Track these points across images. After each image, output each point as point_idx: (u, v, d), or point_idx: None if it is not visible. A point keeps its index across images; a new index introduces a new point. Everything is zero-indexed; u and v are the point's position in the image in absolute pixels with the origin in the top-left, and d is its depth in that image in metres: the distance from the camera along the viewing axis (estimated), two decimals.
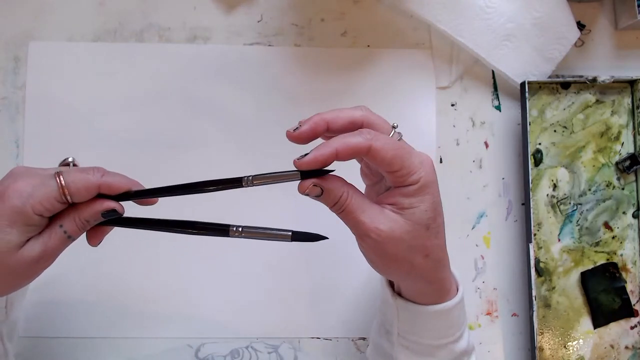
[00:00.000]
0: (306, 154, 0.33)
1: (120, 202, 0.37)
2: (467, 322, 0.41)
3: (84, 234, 0.38)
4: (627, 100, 0.55)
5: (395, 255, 0.35)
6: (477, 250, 0.55)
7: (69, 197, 0.34)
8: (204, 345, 0.53)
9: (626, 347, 0.54)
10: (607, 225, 0.55)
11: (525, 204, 0.54)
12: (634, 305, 0.54)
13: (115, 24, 0.56)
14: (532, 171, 0.54)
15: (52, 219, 0.36)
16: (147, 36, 0.56)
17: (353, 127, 0.36)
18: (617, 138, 0.55)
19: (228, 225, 0.35)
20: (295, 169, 0.34)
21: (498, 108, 0.57)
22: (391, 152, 0.33)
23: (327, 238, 0.35)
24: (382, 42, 0.57)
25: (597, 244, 0.54)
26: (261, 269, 0.54)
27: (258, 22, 0.57)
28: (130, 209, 0.38)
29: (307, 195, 0.34)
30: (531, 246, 0.52)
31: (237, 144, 0.55)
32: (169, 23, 0.56)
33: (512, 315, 0.55)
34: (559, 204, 0.55)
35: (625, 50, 0.58)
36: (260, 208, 0.54)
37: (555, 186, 0.55)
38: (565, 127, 0.55)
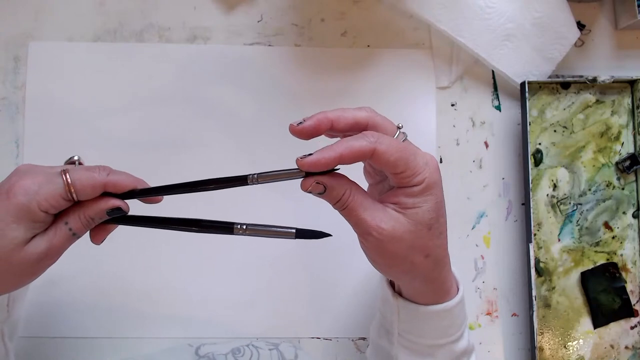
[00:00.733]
0: (310, 154, 0.33)
1: (126, 201, 0.37)
2: (467, 322, 0.41)
3: (88, 232, 0.37)
4: (627, 100, 0.55)
5: (396, 254, 0.35)
6: (477, 250, 0.55)
7: (74, 195, 0.34)
8: (204, 344, 0.53)
9: (626, 347, 0.54)
10: (607, 225, 0.55)
11: (525, 204, 0.54)
12: (634, 305, 0.54)
13: (115, 24, 0.56)
14: (532, 171, 0.54)
15: (58, 217, 0.36)
16: (147, 36, 0.56)
17: (357, 127, 0.36)
18: (617, 138, 0.55)
19: (232, 223, 0.35)
20: (299, 173, 0.34)
21: (498, 108, 0.57)
22: (395, 155, 0.34)
23: (330, 235, 0.35)
24: (382, 42, 0.57)
25: (597, 244, 0.54)
26: (261, 269, 0.54)
27: (258, 22, 0.57)
28: (135, 207, 0.38)
29: (309, 192, 0.34)
30: (531, 246, 0.52)
31: (237, 143, 0.55)
32: (169, 23, 0.56)
33: (512, 315, 0.55)
34: (559, 204, 0.55)
35: (625, 50, 0.58)
36: (263, 207, 0.54)
37: (555, 186, 0.55)
38: (565, 127, 0.55)
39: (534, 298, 0.51)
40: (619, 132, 0.55)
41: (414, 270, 0.36)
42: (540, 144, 0.55)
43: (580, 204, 0.55)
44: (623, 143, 0.55)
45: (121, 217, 0.37)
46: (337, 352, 0.53)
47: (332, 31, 0.57)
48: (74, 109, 0.55)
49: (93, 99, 0.55)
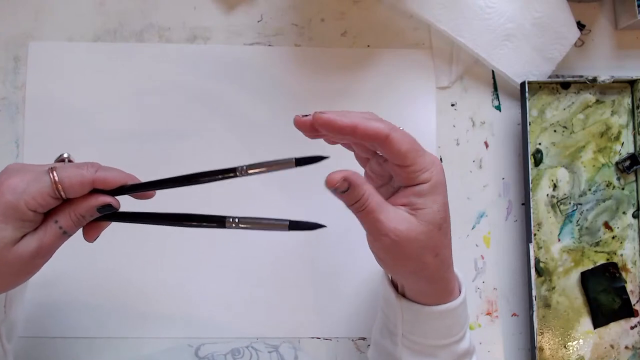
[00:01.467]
0: (323, 112, 0.33)
1: (117, 197, 0.36)
2: (468, 322, 0.41)
3: (81, 229, 0.37)
4: (627, 100, 0.55)
5: (409, 254, 0.35)
6: (477, 250, 0.55)
7: (62, 193, 0.34)
8: (204, 344, 0.53)
9: (626, 347, 0.54)
10: (607, 225, 0.55)
11: (525, 204, 0.54)
12: (634, 305, 0.54)
13: (115, 24, 0.56)
14: (532, 171, 0.54)
15: (48, 215, 0.35)
16: (147, 36, 0.56)
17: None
18: (617, 138, 0.55)
19: (224, 217, 0.35)
20: (289, 158, 0.34)
21: (498, 108, 0.57)
22: (407, 146, 0.34)
23: (324, 226, 0.34)
24: (382, 42, 0.57)
25: (597, 244, 0.54)
26: (261, 269, 0.54)
27: (258, 22, 0.57)
28: (127, 204, 0.38)
29: (333, 190, 0.34)
30: (531, 246, 0.52)
31: (238, 143, 0.55)
32: (169, 23, 0.56)
33: (512, 315, 0.55)
34: (559, 204, 0.55)
35: (625, 50, 0.58)
36: (257, 203, 0.54)
37: (555, 186, 0.55)
38: (565, 127, 0.55)
39: (534, 298, 0.51)
40: (619, 132, 0.55)
41: (423, 270, 0.36)
42: (540, 144, 0.55)
43: (580, 204, 0.55)
44: (623, 143, 0.55)
45: (113, 214, 0.37)
46: (337, 352, 0.53)
47: (332, 31, 0.57)
48: (74, 109, 0.55)
49: (93, 99, 0.55)
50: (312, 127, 0.35)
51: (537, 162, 0.55)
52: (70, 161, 0.38)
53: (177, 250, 0.53)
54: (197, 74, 0.55)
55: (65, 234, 0.36)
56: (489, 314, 0.55)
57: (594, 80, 0.54)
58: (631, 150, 0.55)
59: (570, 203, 0.55)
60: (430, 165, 0.35)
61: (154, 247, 0.53)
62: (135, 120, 0.55)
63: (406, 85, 0.56)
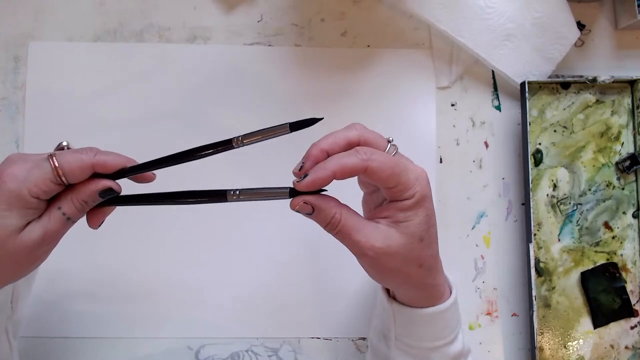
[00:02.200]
0: (305, 176, 0.34)
1: (117, 181, 0.36)
2: (461, 324, 0.42)
3: (84, 216, 0.37)
4: (627, 100, 0.55)
5: (391, 267, 0.36)
6: (477, 250, 0.55)
7: (63, 178, 0.34)
8: (204, 347, 0.53)
9: (626, 347, 0.54)
10: (607, 225, 0.55)
11: (525, 204, 0.54)
12: (634, 305, 0.54)
13: (115, 24, 0.56)
14: (532, 171, 0.54)
15: (51, 203, 0.35)
16: (147, 36, 0.56)
17: (349, 147, 0.36)
18: (617, 138, 0.55)
19: (225, 190, 0.35)
20: (285, 123, 0.34)
21: (498, 108, 0.57)
22: (387, 171, 0.34)
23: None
24: (382, 42, 0.57)
25: (597, 244, 0.54)
26: (261, 269, 0.54)
27: (258, 22, 0.57)
28: (131, 191, 0.37)
29: (298, 212, 0.35)
30: (531, 246, 0.52)
31: None
32: (169, 23, 0.56)
33: (512, 315, 0.55)
34: (559, 204, 0.55)
35: (625, 50, 0.58)
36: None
37: (555, 186, 0.55)
38: (565, 127, 0.55)
39: (534, 298, 0.51)
40: (619, 132, 0.55)
41: (409, 280, 0.37)
42: (540, 144, 0.55)
43: (580, 204, 0.55)
44: (623, 143, 0.55)
45: (115, 198, 0.36)
46: (337, 352, 0.53)
47: (332, 31, 0.57)
48: (73, 109, 0.55)
49: (93, 99, 0.55)
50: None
51: (537, 162, 0.55)
52: (69, 149, 0.38)
53: (178, 250, 0.53)
54: (197, 74, 0.55)
55: (69, 220, 0.36)
56: (489, 314, 0.54)
57: (594, 80, 0.54)
58: (631, 150, 0.55)
59: (570, 203, 0.55)
60: (414, 182, 0.35)
61: (154, 247, 0.53)
62: (135, 120, 0.55)
63: (406, 85, 0.56)
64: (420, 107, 0.56)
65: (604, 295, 0.53)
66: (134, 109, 0.55)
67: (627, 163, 0.54)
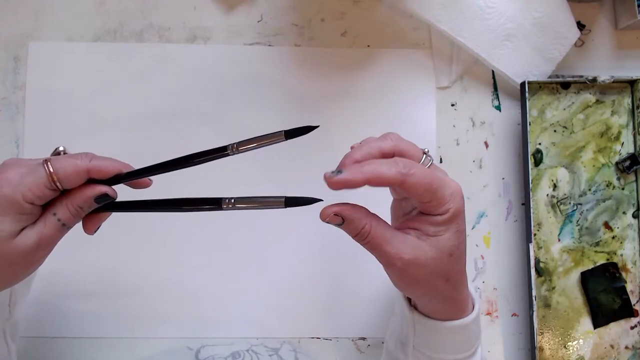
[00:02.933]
0: (340, 172, 0.33)
1: (113, 187, 0.36)
2: (481, 339, 0.41)
3: (81, 222, 0.37)
4: (627, 100, 0.55)
5: (418, 279, 0.35)
6: (477, 250, 0.55)
7: (58, 184, 0.34)
8: (204, 347, 0.53)
9: (626, 347, 0.54)
10: (607, 225, 0.55)
11: (525, 204, 0.54)
12: (634, 305, 0.54)
13: (115, 24, 0.56)
14: (532, 171, 0.54)
15: (46, 208, 0.35)
16: (147, 36, 0.56)
17: (384, 157, 0.35)
18: (617, 138, 0.55)
19: (220, 199, 0.34)
20: (280, 130, 0.33)
21: (498, 108, 0.57)
22: (425, 187, 0.33)
23: (321, 200, 0.34)
24: (382, 42, 0.57)
25: (597, 244, 0.54)
26: (261, 269, 0.54)
27: (258, 22, 0.57)
28: (127, 197, 0.37)
29: (328, 222, 0.34)
30: (531, 246, 0.52)
31: None
32: (169, 23, 0.56)
33: (512, 315, 0.55)
34: (559, 204, 0.55)
35: (625, 50, 0.58)
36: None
37: (555, 186, 0.55)
38: (565, 127, 0.55)
39: (534, 298, 0.51)
40: (619, 132, 0.55)
41: (434, 293, 0.36)
42: (540, 144, 0.55)
43: (580, 204, 0.55)
44: (623, 143, 0.55)
45: (111, 204, 0.36)
46: (337, 352, 0.53)
47: (332, 31, 0.57)
48: (73, 109, 0.55)
49: (93, 99, 0.55)
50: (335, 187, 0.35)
51: (537, 162, 0.55)
52: (65, 154, 0.38)
53: (178, 250, 0.53)
54: (197, 74, 0.55)
55: (64, 226, 0.36)
56: (489, 314, 0.54)
57: (594, 80, 0.54)
58: (631, 150, 0.55)
59: (570, 203, 0.55)
60: (450, 198, 0.34)
61: (154, 247, 0.53)
62: (135, 120, 0.55)
63: (406, 85, 0.56)
64: (420, 107, 0.56)
65: (604, 295, 0.53)
66: (134, 109, 0.55)
67: (627, 163, 0.54)
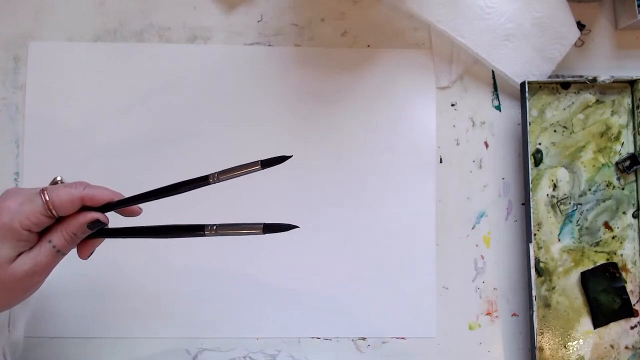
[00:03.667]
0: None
1: (106, 214, 0.38)
2: None
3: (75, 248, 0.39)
4: (627, 100, 0.55)
5: None
6: (477, 250, 0.55)
7: (54, 211, 0.36)
8: (201, 352, 0.53)
9: (626, 347, 0.54)
10: (607, 225, 0.55)
11: (525, 204, 0.54)
12: (634, 305, 0.54)
13: (115, 24, 0.56)
14: (532, 171, 0.54)
15: (42, 235, 0.37)
16: (147, 36, 0.56)
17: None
18: (617, 138, 0.55)
19: (203, 226, 0.37)
20: (256, 160, 0.36)
21: (498, 108, 0.57)
22: None
23: (297, 227, 0.36)
24: (382, 42, 0.57)
25: (597, 244, 0.54)
26: (260, 269, 0.54)
27: (258, 22, 0.57)
28: (120, 224, 0.40)
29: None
30: (531, 246, 0.52)
31: (237, 144, 0.55)
32: (169, 23, 0.56)
33: (512, 315, 0.55)
34: (559, 204, 0.55)
35: (625, 50, 0.58)
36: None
37: (555, 186, 0.55)
38: (565, 127, 0.55)
39: (534, 298, 0.51)
40: (619, 132, 0.55)
41: None
42: (540, 144, 0.55)
43: (580, 204, 0.55)
44: (623, 143, 0.55)
45: (104, 231, 0.39)
46: (337, 352, 0.53)
47: (332, 31, 0.57)
48: (73, 109, 0.55)
49: (93, 98, 0.55)
50: None
51: (537, 162, 0.55)
52: (62, 182, 0.40)
53: (177, 250, 0.53)
54: (197, 74, 0.55)
55: (59, 253, 0.38)
56: (489, 314, 0.55)
57: (594, 80, 0.54)
58: (631, 150, 0.55)
59: (570, 203, 0.55)
60: None
61: (154, 247, 0.53)
62: (135, 120, 0.55)
63: (406, 85, 0.56)
64: (420, 107, 0.56)
65: (604, 295, 0.53)
66: (134, 109, 0.55)
67: (627, 163, 0.54)
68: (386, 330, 0.53)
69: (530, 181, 0.52)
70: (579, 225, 0.54)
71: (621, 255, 0.54)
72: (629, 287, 0.54)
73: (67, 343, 0.52)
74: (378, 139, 0.55)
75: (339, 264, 0.54)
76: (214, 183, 0.37)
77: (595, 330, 0.53)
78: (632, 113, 0.55)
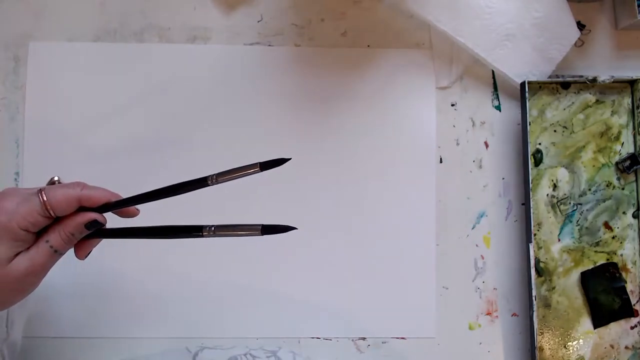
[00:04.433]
0: None
1: (104, 215, 0.38)
2: None
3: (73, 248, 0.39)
4: (627, 100, 0.55)
5: None
6: (477, 250, 0.55)
7: (51, 211, 0.36)
8: (202, 350, 0.53)
9: (626, 347, 0.54)
10: (607, 225, 0.54)
11: (525, 204, 0.54)
12: (634, 305, 0.54)
13: (115, 24, 0.56)
14: (532, 171, 0.54)
15: (40, 236, 0.37)
16: (147, 36, 0.56)
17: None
18: (617, 138, 0.55)
19: (201, 227, 0.37)
20: (255, 162, 0.36)
21: (498, 108, 0.57)
22: None
23: (296, 228, 0.35)
24: (382, 42, 0.57)
25: (597, 244, 0.54)
26: (260, 269, 0.54)
27: (258, 22, 0.57)
28: (117, 224, 0.40)
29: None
30: (531, 246, 0.52)
31: (237, 144, 0.55)
32: (169, 23, 0.56)
33: (512, 315, 0.55)
34: (559, 204, 0.55)
35: (625, 50, 0.58)
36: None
37: (555, 186, 0.55)
38: (565, 127, 0.55)
39: (534, 298, 0.51)
40: (619, 132, 0.55)
41: None
42: (540, 144, 0.55)
43: (580, 204, 0.55)
44: (623, 143, 0.55)
45: (101, 231, 0.39)
46: (337, 352, 0.53)
47: (332, 31, 0.57)
48: (73, 109, 0.55)
49: (93, 99, 0.55)
50: None
51: (537, 162, 0.55)
52: (60, 183, 0.40)
53: (177, 250, 0.53)
54: (197, 74, 0.55)
55: (57, 253, 0.38)
56: (489, 314, 0.55)
57: (594, 80, 0.54)
58: (631, 150, 0.55)
59: (570, 203, 0.55)
60: None
61: (154, 247, 0.53)
62: (135, 121, 0.55)
63: (406, 85, 0.56)
64: (420, 107, 0.56)
65: (604, 295, 0.53)
66: (134, 109, 0.55)
67: (627, 163, 0.54)
68: (386, 330, 0.53)
69: (530, 181, 0.52)
70: (579, 225, 0.54)
71: (621, 255, 0.54)
72: (629, 287, 0.54)
73: (66, 343, 0.52)
74: (378, 139, 0.55)
75: (338, 264, 0.54)
76: (212, 185, 0.37)
77: (595, 330, 0.53)
78: (632, 113, 0.55)
